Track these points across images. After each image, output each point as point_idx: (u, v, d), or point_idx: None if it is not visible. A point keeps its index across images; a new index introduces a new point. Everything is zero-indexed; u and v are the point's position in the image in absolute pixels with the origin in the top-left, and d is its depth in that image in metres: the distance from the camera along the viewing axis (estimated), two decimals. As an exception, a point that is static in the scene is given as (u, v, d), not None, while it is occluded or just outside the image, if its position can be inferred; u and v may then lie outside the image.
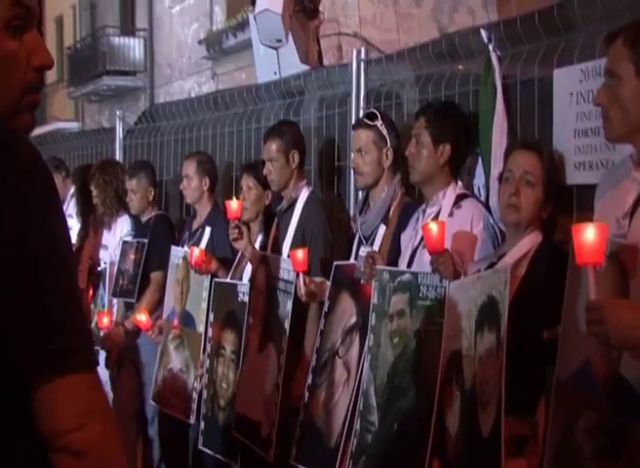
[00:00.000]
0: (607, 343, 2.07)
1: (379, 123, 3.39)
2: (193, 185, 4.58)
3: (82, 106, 21.62)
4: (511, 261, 2.61)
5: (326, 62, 7.02)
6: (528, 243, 2.65)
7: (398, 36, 11.87)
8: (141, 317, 4.59)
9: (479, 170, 3.24)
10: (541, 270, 2.58)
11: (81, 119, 21.34)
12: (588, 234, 2.08)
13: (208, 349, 4.19)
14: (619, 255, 2.17)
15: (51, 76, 24.79)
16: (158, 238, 4.77)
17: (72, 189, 6.13)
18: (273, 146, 3.88)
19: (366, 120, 3.45)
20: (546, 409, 2.43)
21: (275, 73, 6.69)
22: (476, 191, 3.26)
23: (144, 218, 4.92)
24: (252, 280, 3.92)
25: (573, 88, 2.80)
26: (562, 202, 2.70)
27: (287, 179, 3.88)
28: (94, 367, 1.20)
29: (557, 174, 2.71)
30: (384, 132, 3.39)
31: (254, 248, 3.98)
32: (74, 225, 5.98)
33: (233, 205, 3.89)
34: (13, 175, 1.14)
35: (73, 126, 19.73)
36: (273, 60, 7.21)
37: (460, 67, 3.53)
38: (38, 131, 17.08)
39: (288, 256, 3.57)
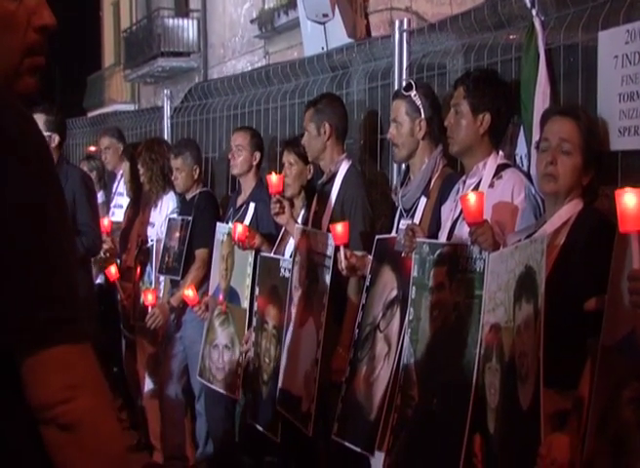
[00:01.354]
0: None
1: (412, 93, 3.32)
2: (243, 157, 4.57)
3: (138, 88, 21.86)
4: (550, 230, 2.52)
5: (376, 37, 6.92)
6: (568, 211, 2.56)
7: (451, 9, 11.65)
8: (189, 292, 4.60)
9: (521, 139, 3.15)
10: (582, 238, 2.48)
11: (137, 101, 21.58)
12: (631, 200, 1.99)
13: (254, 323, 4.19)
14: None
15: (108, 59, 25.14)
16: (202, 215, 4.77)
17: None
18: (307, 116, 3.87)
19: (402, 91, 3.39)
20: (590, 382, 2.36)
21: (323, 48, 6.65)
22: (518, 161, 3.17)
23: (189, 196, 4.92)
24: (293, 255, 3.90)
25: (618, 50, 2.69)
26: (606, 168, 2.58)
27: (319, 150, 3.85)
28: (85, 339, 1.16)
29: (597, 138, 2.59)
30: (418, 102, 3.32)
31: (296, 222, 3.96)
32: (124, 203, 6.04)
33: (274, 179, 3.88)
34: None
35: (130, 108, 19.95)
36: (320, 36, 7.17)
37: (512, 37, 3.43)
38: (96, 113, 17.35)
39: (328, 230, 3.53)
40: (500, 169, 2.98)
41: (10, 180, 1.12)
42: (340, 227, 3.36)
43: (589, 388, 2.34)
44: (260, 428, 4.08)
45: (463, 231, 2.90)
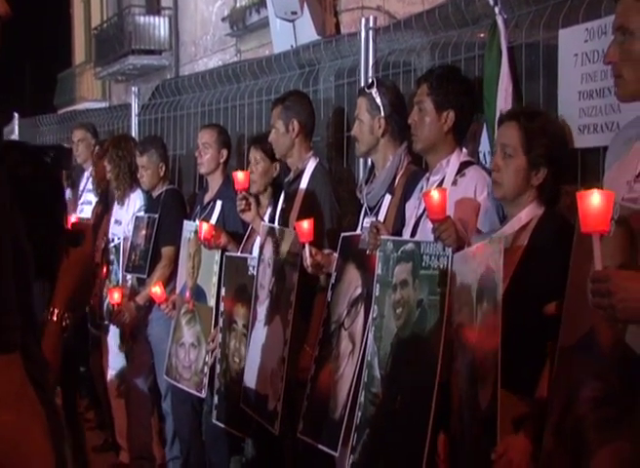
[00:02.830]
0: (612, 316, 1.99)
1: (373, 91, 3.33)
2: (210, 155, 4.54)
3: (109, 86, 21.70)
4: (509, 232, 2.53)
5: (345, 35, 6.92)
6: (528, 214, 2.56)
7: (423, 8, 11.71)
8: (156, 290, 4.57)
9: (484, 136, 3.16)
10: (544, 242, 2.49)
11: (108, 98, 21.41)
12: (594, 201, 1.98)
13: (220, 323, 4.17)
14: (628, 220, 2.07)
15: (79, 57, 24.92)
16: (168, 212, 4.75)
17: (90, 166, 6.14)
18: (274, 113, 3.86)
19: (364, 88, 3.41)
20: (549, 385, 2.36)
21: (292, 46, 6.64)
22: (481, 158, 3.18)
23: (155, 194, 4.90)
24: (259, 253, 3.89)
25: (578, 48, 2.71)
26: (566, 166, 2.59)
27: (287, 147, 3.84)
28: (11, 349, 1.09)
29: (546, 137, 2.54)
30: (378, 100, 3.33)
31: (262, 219, 3.94)
32: (93, 200, 5.99)
33: (240, 176, 3.87)
34: None
35: (101, 106, 19.79)
36: (290, 33, 7.16)
37: (481, 35, 3.44)
38: (66, 110, 17.23)
39: (294, 228, 3.52)
40: (463, 166, 2.99)
41: None
42: (305, 224, 3.35)
43: (548, 390, 2.34)
44: (227, 428, 4.06)
45: (427, 228, 2.89)
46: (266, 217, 4.06)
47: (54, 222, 1.33)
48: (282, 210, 3.93)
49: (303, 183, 3.78)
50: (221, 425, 4.07)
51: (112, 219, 5.25)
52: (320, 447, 3.22)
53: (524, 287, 2.42)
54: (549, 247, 2.45)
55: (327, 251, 3.53)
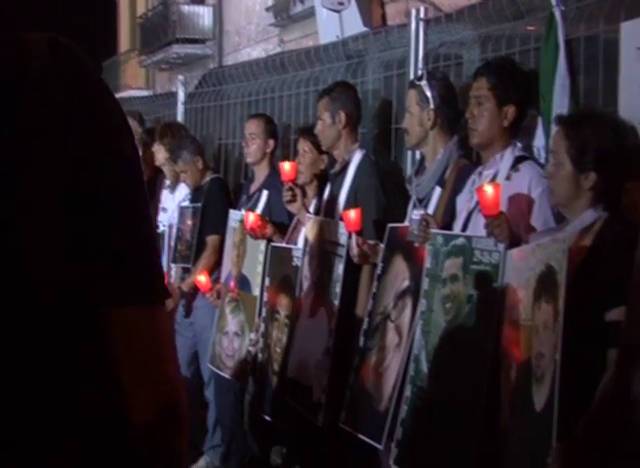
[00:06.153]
0: None
1: (423, 83, 3.30)
2: (257, 145, 4.53)
3: (153, 75, 21.84)
4: (572, 232, 2.48)
5: (391, 26, 6.86)
6: (590, 216, 2.50)
7: (473, 0, 11.58)
8: (202, 278, 4.57)
9: (539, 131, 3.11)
10: (609, 244, 2.42)
11: (152, 87, 21.55)
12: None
13: (263, 313, 4.17)
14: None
15: (123, 45, 25.11)
16: (213, 201, 4.74)
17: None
18: (321, 105, 3.84)
19: (415, 80, 3.39)
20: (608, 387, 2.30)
21: (337, 37, 6.61)
22: (535, 153, 3.13)
23: (200, 184, 4.90)
24: (305, 244, 3.88)
25: (640, 42, 2.65)
26: (621, 165, 2.52)
27: (333, 139, 3.83)
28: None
29: (594, 139, 2.48)
30: (428, 92, 3.29)
31: (307, 211, 3.94)
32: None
33: (287, 167, 3.86)
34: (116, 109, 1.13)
35: (144, 94, 19.92)
36: (336, 24, 7.12)
37: (530, 28, 3.39)
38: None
39: (341, 218, 3.51)
40: (517, 161, 2.94)
41: (123, 137, 1.13)
42: (352, 214, 3.35)
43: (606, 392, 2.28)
44: (268, 418, 4.07)
45: (479, 223, 2.86)
46: (312, 209, 4.05)
47: None
48: (327, 201, 3.92)
49: (349, 175, 3.77)
50: (262, 415, 4.08)
51: (159, 207, 5.27)
52: (361, 437, 3.20)
53: (586, 288, 2.37)
54: (615, 250, 2.39)
55: (372, 242, 3.52)
